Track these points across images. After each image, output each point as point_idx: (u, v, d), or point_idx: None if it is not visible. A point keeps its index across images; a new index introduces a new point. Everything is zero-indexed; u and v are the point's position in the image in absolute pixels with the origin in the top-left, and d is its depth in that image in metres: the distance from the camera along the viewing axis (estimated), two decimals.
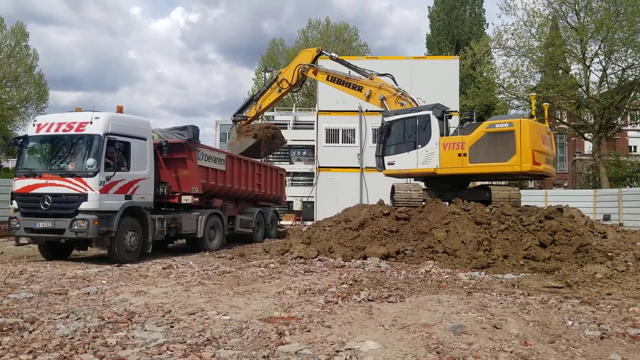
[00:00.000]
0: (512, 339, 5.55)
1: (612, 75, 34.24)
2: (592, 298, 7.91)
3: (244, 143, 18.92)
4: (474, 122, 15.41)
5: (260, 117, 20.37)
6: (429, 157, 14.66)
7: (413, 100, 16.05)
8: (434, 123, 14.67)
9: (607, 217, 27.13)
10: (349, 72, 17.55)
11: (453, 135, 15.04)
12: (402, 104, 16.08)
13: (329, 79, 17.89)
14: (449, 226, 12.77)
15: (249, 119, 19.64)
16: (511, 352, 5.07)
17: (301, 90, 49.21)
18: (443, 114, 14.82)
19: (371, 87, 16.85)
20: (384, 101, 16.47)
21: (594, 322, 6.33)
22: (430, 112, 14.76)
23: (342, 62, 18.13)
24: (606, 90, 34.05)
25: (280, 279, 9.54)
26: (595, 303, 7.52)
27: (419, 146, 14.86)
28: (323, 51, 18.75)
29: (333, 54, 18.78)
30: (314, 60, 18.51)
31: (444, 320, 6.35)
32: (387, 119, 15.68)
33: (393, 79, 16.90)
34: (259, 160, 19.40)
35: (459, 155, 14.18)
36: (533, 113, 15.06)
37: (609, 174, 37.29)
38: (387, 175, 16.14)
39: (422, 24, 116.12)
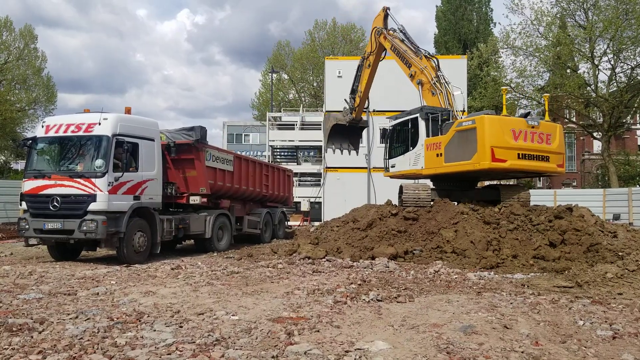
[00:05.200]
0: (522, 339, 5.51)
1: (621, 74, 33.99)
2: (603, 298, 7.84)
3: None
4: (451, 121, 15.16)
5: (367, 102, 20.17)
6: (417, 159, 14.96)
7: (448, 91, 15.34)
8: (421, 125, 14.90)
9: (617, 217, 26.88)
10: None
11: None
12: (433, 94, 15.57)
13: (392, 48, 17.46)
14: (458, 226, 12.69)
15: (357, 109, 19.51)
16: (522, 352, 5.03)
17: (315, 87, 48.31)
18: (428, 116, 14.82)
19: (416, 68, 16.27)
20: (420, 87, 16.01)
21: (606, 322, 6.28)
22: (418, 115, 15.03)
23: (405, 34, 17.60)
24: (615, 89, 33.77)
25: (289, 279, 9.53)
26: (607, 303, 7.45)
27: (411, 148, 15.33)
28: (388, 11, 18.43)
29: (404, 29, 18.18)
30: (385, 22, 18.27)
31: (453, 320, 6.32)
32: (390, 124, 16.17)
33: (437, 64, 16.13)
34: (267, 161, 19.36)
35: (437, 155, 14.25)
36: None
37: (618, 173, 36.94)
38: (390, 177, 16.68)
39: (429, 25, 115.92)
